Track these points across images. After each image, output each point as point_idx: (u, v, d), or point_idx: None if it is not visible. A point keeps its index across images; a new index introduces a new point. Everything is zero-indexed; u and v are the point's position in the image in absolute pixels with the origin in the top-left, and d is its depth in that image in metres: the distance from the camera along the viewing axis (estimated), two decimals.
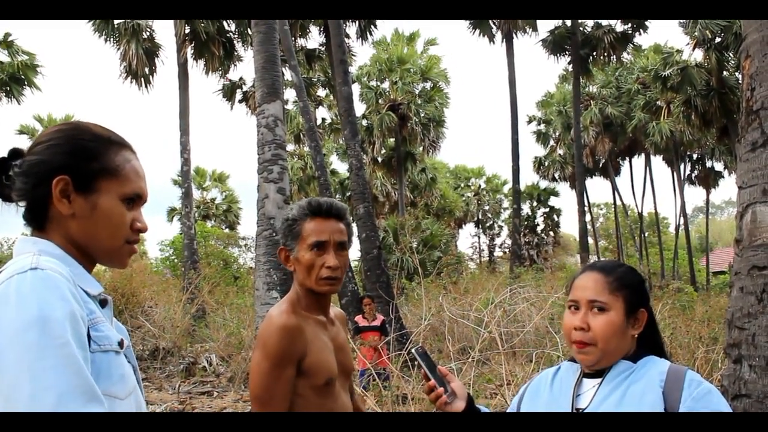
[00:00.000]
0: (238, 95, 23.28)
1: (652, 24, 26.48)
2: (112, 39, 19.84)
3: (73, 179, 1.32)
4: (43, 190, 1.31)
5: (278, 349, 1.90)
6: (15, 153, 1.35)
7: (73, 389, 1.12)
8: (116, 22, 19.54)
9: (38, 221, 1.35)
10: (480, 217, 46.75)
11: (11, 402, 1.11)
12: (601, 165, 36.45)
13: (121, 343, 1.33)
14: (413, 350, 1.84)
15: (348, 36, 20.90)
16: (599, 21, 24.55)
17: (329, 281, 2.02)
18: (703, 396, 1.61)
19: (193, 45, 19.89)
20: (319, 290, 2.03)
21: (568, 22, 23.75)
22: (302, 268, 2.03)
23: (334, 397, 2.02)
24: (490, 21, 24.56)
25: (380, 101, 29.38)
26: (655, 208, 37.92)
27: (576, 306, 1.78)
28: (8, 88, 19.65)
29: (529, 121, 37.30)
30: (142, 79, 20.32)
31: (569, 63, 25.20)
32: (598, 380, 1.75)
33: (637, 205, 38.74)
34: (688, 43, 24.21)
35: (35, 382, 1.10)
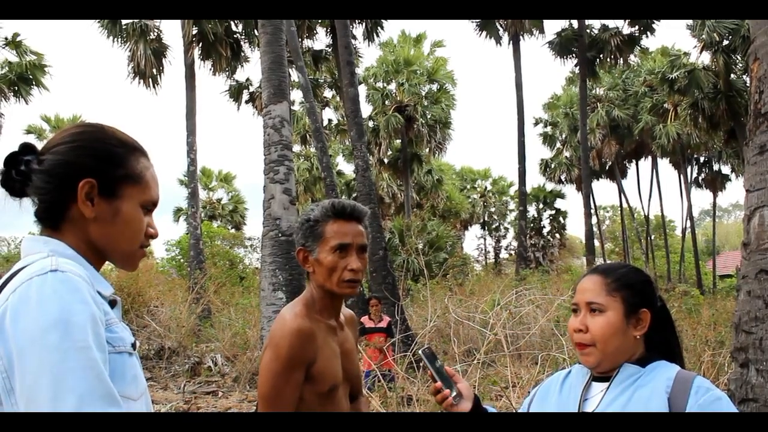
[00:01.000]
0: (245, 96, 23.32)
1: (660, 26, 26.41)
2: (119, 39, 19.89)
3: (99, 183, 1.33)
4: (67, 192, 1.31)
5: (290, 352, 1.89)
6: (27, 148, 1.34)
7: (93, 392, 1.13)
8: (124, 22, 19.59)
9: (54, 221, 1.34)
10: (486, 218, 46.71)
11: (33, 403, 1.11)
12: (607, 167, 36.41)
13: (134, 345, 1.34)
14: (420, 351, 1.85)
15: (355, 37, 20.93)
16: (606, 23, 24.51)
17: (350, 284, 2.01)
18: (710, 403, 1.59)
19: (200, 46, 19.93)
20: (340, 292, 2.02)
21: (575, 24, 23.71)
22: (323, 269, 2.01)
23: (335, 404, 2.02)
24: (497, 23, 24.53)
25: (387, 103, 29.41)
26: (662, 211, 37.84)
27: (576, 309, 1.81)
28: (16, 88, 19.74)
29: (536, 123, 37.32)
30: (150, 79, 20.37)
31: (576, 65, 25.12)
32: (606, 384, 1.75)
33: (643, 208, 38.76)
34: (695, 46, 24.16)
35: (57, 384, 1.10)
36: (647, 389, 1.67)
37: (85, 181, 1.31)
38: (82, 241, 1.35)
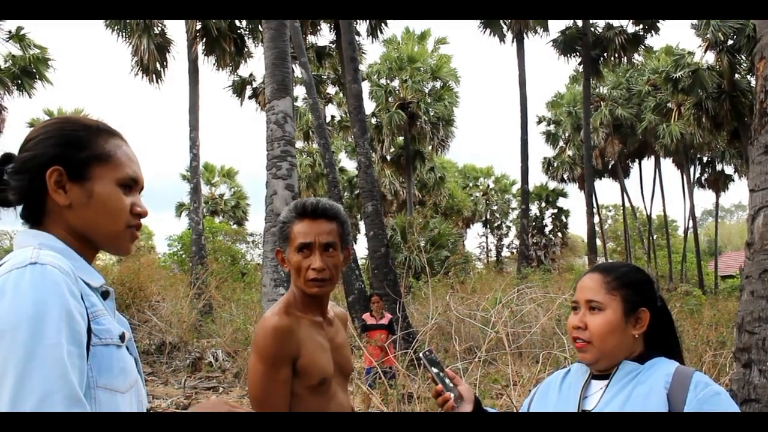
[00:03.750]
0: (248, 91, 23.32)
1: (664, 26, 26.30)
2: (123, 34, 19.90)
3: (66, 169, 1.32)
4: (38, 184, 1.32)
5: (270, 350, 1.93)
6: (6, 158, 1.36)
7: (55, 392, 1.11)
8: None
9: (35, 217, 1.35)
10: (488, 217, 46.70)
11: None
12: (610, 167, 36.36)
13: (122, 336, 1.32)
14: (421, 354, 1.87)
15: (358, 34, 20.90)
16: (610, 22, 24.42)
17: (316, 282, 2.02)
18: (709, 398, 1.60)
19: (204, 41, 19.93)
20: (309, 291, 2.04)
21: (579, 23, 23.64)
22: (293, 269, 2.06)
23: (329, 397, 2.03)
24: (501, 21, 24.48)
25: (390, 99, 29.36)
26: (664, 211, 37.79)
27: (576, 307, 1.83)
28: (20, 82, 19.70)
29: (539, 122, 37.22)
30: (154, 74, 20.36)
31: (580, 64, 25.06)
32: (606, 382, 1.76)
33: (645, 208, 38.63)
34: (700, 45, 24.11)
35: (19, 383, 1.10)
36: (646, 386, 1.68)
37: (51, 169, 1.31)
38: (66, 232, 1.34)
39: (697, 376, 1.65)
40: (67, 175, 1.32)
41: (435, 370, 1.82)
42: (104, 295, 1.36)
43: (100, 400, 1.23)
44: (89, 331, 1.23)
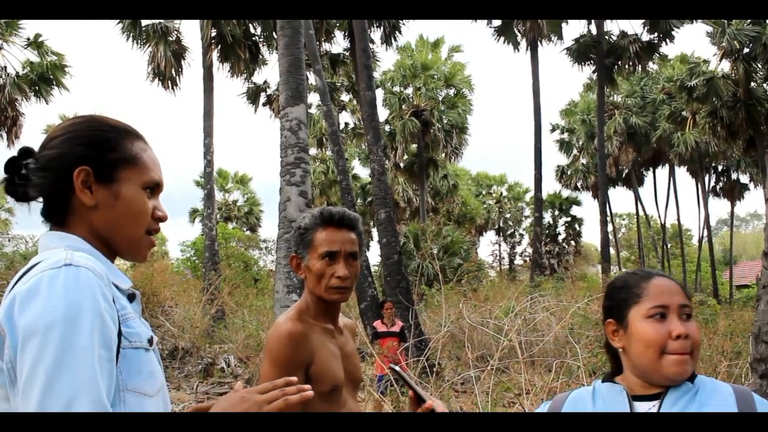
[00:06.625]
0: (262, 98, 23.38)
1: (679, 34, 26.13)
2: (139, 41, 20.03)
3: (94, 170, 1.32)
4: (64, 183, 1.31)
5: (284, 356, 1.94)
6: (26, 152, 1.35)
7: (81, 397, 1.11)
8: (144, 24, 19.72)
9: (59, 216, 1.35)
10: (501, 224, 46.57)
11: (25, 398, 1.12)
12: (624, 175, 36.18)
13: (150, 340, 1.33)
14: (398, 368, 1.89)
15: (372, 41, 20.93)
16: (624, 30, 24.34)
17: (339, 290, 2.06)
18: None
19: (219, 48, 20.01)
20: (329, 299, 2.06)
21: (594, 31, 23.58)
22: (313, 276, 2.07)
23: (340, 405, 2.04)
24: (515, 28, 24.45)
25: (403, 107, 29.39)
26: (678, 220, 37.50)
27: (663, 314, 1.58)
28: (37, 88, 19.91)
29: (553, 130, 37.07)
30: (169, 80, 20.46)
31: (594, 72, 24.98)
32: (652, 403, 1.58)
33: (660, 216, 38.44)
34: (715, 54, 23.94)
35: (48, 385, 1.10)
36: (713, 405, 1.53)
37: (79, 169, 1.31)
38: (88, 233, 1.34)
39: (756, 396, 1.56)
40: (95, 176, 1.32)
41: (417, 387, 1.82)
42: (130, 297, 1.36)
43: (129, 404, 1.23)
44: (119, 333, 1.23)
